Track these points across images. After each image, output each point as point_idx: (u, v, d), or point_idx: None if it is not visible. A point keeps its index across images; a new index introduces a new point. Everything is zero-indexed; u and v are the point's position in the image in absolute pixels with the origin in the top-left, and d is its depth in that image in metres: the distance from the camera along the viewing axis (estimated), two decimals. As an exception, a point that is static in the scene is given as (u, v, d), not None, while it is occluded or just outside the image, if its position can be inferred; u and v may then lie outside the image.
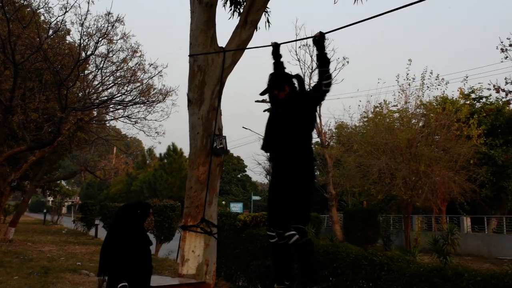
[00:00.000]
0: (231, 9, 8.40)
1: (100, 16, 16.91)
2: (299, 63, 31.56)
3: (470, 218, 26.18)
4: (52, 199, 51.86)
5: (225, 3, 8.40)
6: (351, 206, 30.45)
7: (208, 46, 6.37)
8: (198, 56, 6.36)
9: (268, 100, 4.97)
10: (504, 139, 25.12)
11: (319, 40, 4.70)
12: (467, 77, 28.18)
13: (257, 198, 47.91)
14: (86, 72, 19.61)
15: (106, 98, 20.55)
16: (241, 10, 7.94)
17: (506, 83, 15.83)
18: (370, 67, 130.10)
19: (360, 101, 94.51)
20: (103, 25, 16.53)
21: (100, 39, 16.70)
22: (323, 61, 4.66)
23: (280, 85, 4.77)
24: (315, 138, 30.86)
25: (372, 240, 23.38)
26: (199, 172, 6.21)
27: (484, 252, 23.76)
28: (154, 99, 20.69)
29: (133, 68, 19.46)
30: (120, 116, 21.91)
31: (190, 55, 6.46)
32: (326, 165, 29.23)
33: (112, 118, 23.28)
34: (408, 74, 23.64)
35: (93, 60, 18.81)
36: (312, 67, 29.15)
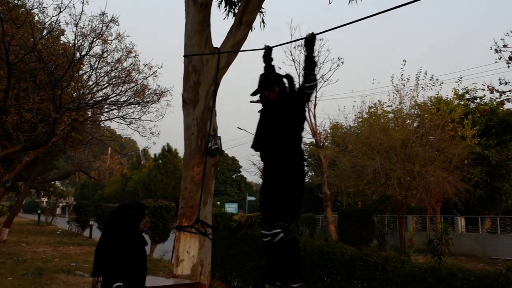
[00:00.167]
0: (226, 10, 8.41)
1: (94, 16, 16.89)
2: (293, 63, 31.58)
3: (464, 218, 26.27)
4: (46, 199, 51.73)
5: (220, 3, 8.40)
6: (346, 207, 30.47)
7: (203, 47, 6.36)
8: (193, 57, 6.36)
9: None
10: (498, 140, 25.21)
11: (310, 41, 4.73)
12: (461, 78, 28.20)
13: (252, 198, 47.92)
14: (81, 72, 19.57)
15: (100, 98, 20.51)
16: (236, 11, 7.94)
17: (500, 83, 15.87)
18: (365, 67, 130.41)
19: (354, 101, 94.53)
20: (97, 25, 16.52)
21: (95, 39, 16.69)
22: (309, 64, 4.69)
23: (270, 85, 4.80)
24: (310, 139, 30.93)
25: (367, 241, 23.40)
26: (194, 172, 6.20)
27: (478, 252, 23.84)
28: (148, 99, 20.68)
29: (127, 68, 19.44)
30: (115, 116, 21.90)
31: (185, 56, 6.45)
32: (321, 166, 29.25)
33: (107, 118, 23.26)
34: (402, 74, 23.71)
35: (88, 60, 18.80)
36: (306, 68, 29.18)
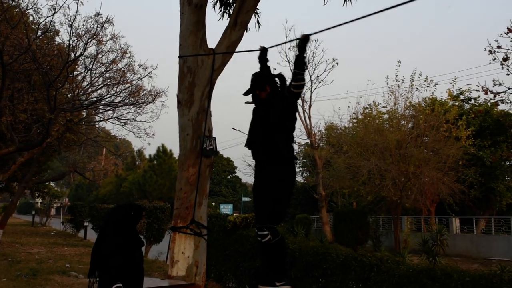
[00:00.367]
0: (220, 11, 8.40)
1: (89, 17, 16.83)
2: (288, 64, 31.61)
3: (459, 219, 26.33)
4: (40, 200, 51.48)
5: (215, 4, 8.39)
6: (341, 207, 30.47)
7: (198, 48, 6.36)
8: (188, 58, 6.35)
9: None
10: (493, 140, 25.28)
11: (303, 41, 4.73)
12: (455, 79, 28.24)
13: (247, 199, 47.88)
14: (75, 73, 19.48)
15: (95, 99, 20.44)
16: (231, 12, 7.94)
17: (494, 84, 15.90)
18: (359, 68, 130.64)
19: (349, 102, 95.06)
20: (92, 26, 16.47)
21: (90, 40, 16.63)
22: (299, 64, 4.67)
23: (261, 85, 4.82)
24: (305, 139, 30.99)
25: (362, 241, 23.45)
26: (189, 173, 6.20)
27: (473, 252, 23.91)
28: (143, 100, 20.62)
29: (122, 69, 19.39)
30: (110, 117, 21.80)
31: (179, 56, 6.45)
32: (316, 166, 29.32)
33: (102, 119, 23.17)
34: (397, 75, 23.81)
35: (82, 61, 18.73)
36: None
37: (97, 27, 16.47)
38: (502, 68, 15.13)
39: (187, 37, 6.34)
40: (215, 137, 6.51)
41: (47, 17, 15.48)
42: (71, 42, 15.93)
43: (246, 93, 4.93)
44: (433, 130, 21.11)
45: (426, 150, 21.60)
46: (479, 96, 27.10)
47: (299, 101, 29.32)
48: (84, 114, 22.55)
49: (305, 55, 4.77)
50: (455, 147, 21.20)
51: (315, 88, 29.99)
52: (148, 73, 19.63)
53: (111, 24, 17.02)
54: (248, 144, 4.89)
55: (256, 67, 5.15)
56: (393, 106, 23.24)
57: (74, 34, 15.92)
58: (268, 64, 5.19)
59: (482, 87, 16.27)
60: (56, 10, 14.79)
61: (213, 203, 46.20)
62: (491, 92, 16.05)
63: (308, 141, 30.74)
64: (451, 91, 26.87)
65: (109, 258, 4.60)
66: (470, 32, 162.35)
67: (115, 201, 45.12)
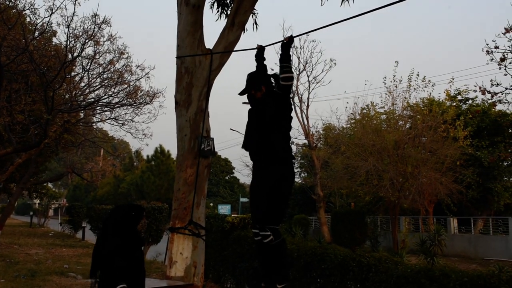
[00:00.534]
0: (218, 11, 8.41)
1: (86, 18, 16.83)
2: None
3: (457, 219, 26.35)
4: (38, 201, 51.39)
5: (212, 4, 8.40)
6: (338, 208, 30.52)
7: (195, 48, 6.36)
8: (186, 58, 6.35)
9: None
10: (490, 141, 25.30)
11: (287, 43, 4.84)
12: (453, 79, 28.23)
13: (245, 200, 47.81)
14: (73, 74, 19.49)
15: (93, 100, 20.44)
16: (229, 12, 7.94)
17: (492, 85, 15.87)
18: (357, 69, 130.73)
19: (347, 102, 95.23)
20: (89, 27, 16.46)
21: (87, 40, 16.62)
22: (284, 58, 4.74)
23: (257, 84, 4.83)
24: (303, 140, 30.99)
25: (360, 242, 23.47)
26: (187, 174, 6.20)
27: (471, 253, 23.93)
28: (141, 101, 20.63)
29: (120, 69, 19.39)
30: (107, 118, 21.80)
31: (177, 57, 6.45)
32: (313, 167, 29.34)
33: (99, 120, 23.18)
34: (395, 76, 23.75)
35: (80, 61, 18.72)
36: (299, 69, 29.28)
37: (94, 27, 16.48)
38: (500, 68, 15.11)
39: (184, 38, 6.34)
40: (213, 138, 6.51)
41: (44, 17, 15.55)
42: (68, 43, 15.93)
43: (241, 93, 4.94)
44: (430, 130, 21.12)
45: (424, 150, 21.59)
46: (476, 97, 27.14)
47: (297, 102, 29.49)
48: (82, 115, 22.55)
49: (290, 54, 4.83)
50: (453, 147, 21.20)
51: (312, 89, 30.04)
52: (146, 74, 19.65)
53: (109, 24, 17.04)
54: (245, 146, 4.89)
55: (253, 67, 5.17)
56: (390, 107, 23.25)
57: (71, 35, 15.91)
58: (265, 62, 5.21)
59: (480, 88, 16.25)
60: (53, 11, 14.81)
61: (211, 204, 46.21)
62: (489, 92, 16.03)
63: (306, 141, 30.78)
64: (449, 91, 26.86)
65: (111, 259, 4.59)
66: (467, 32, 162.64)
67: (113, 202, 45.04)
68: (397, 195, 20.89)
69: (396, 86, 23.55)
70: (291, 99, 5.07)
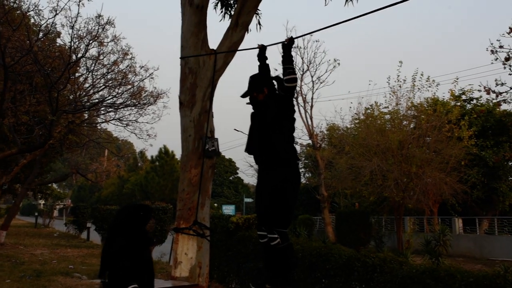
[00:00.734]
0: (222, 12, 8.42)
1: (90, 19, 16.84)
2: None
3: (461, 219, 26.28)
4: (43, 202, 51.52)
5: (216, 5, 8.41)
6: (343, 208, 30.47)
7: (199, 49, 6.36)
8: (190, 59, 6.35)
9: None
10: (495, 141, 25.24)
11: (288, 44, 4.82)
12: (457, 79, 28.30)
13: (249, 200, 47.83)
14: (77, 74, 19.52)
15: (97, 100, 20.49)
16: (232, 13, 7.95)
17: (497, 84, 15.83)
18: (361, 69, 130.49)
19: (351, 103, 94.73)
20: (93, 28, 16.50)
21: (91, 41, 16.65)
22: (286, 59, 4.73)
23: (259, 87, 4.82)
24: (307, 140, 30.94)
25: (364, 242, 23.43)
26: (191, 174, 6.20)
27: (476, 253, 23.86)
28: (145, 101, 20.68)
29: (124, 70, 19.42)
30: (111, 118, 21.84)
31: (181, 58, 6.45)
32: (318, 167, 29.29)
33: (103, 120, 23.21)
34: (399, 76, 23.84)
35: (84, 62, 18.76)
36: (303, 69, 29.25)
37: (98, 28, 16.51)
38: (504, 68, 15.08)
39: (188, 38, 6.35)
40: (217, 138, 6.51)
41: (49, 18, 15.62)
42: (72, 44, 15.97)
43: (243, 96, 4.92)
44: (435, 130, 21.09)
45: (428, 150, 21.56)
46: (481, 96, 27.09)
47: (301, 102, 29.45)
48: (86, 115, 22.59)
49: (291, 54, 4.81)
50: (457, 147, 21.16)
51: (316, 89, 30.04)
52: (150, 75, 19.69)
53: (112, 25, 17.07)
54: (248, 149, 4.88)
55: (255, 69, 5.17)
56: (395, 107, 23.23)
57: (75, 35, 15.96)
58: (267, 62, 5.21)
59: (484, 87, 16.19)
60: (58, 12, 14.85)
61: (216, 204, 46.22)
62: (493, 92, 15.98)
63: (310, 142, 30.71)
64: (453, 91, 26.82)
65: (119, 259, 4.57)
66: (472, 31, 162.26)
67: (118, 203, 45.14)
68: (402, 195, 20.86)
69: (400, 86, 23.56)
70: (294, 100, 5.05)
